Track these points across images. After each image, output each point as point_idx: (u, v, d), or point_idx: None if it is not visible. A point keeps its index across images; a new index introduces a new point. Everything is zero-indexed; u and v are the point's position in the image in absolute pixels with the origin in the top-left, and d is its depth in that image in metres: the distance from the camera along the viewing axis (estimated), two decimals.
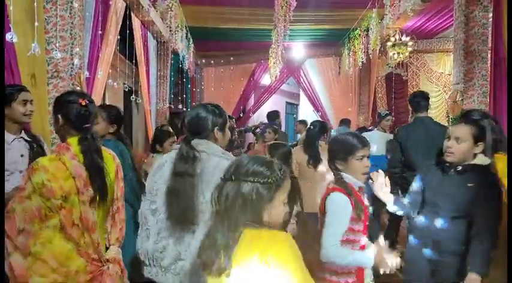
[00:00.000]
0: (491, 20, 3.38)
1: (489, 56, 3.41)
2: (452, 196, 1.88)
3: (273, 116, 5.76)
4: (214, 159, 1.59)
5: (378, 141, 4.19)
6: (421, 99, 3.27)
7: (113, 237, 1.68)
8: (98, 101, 3.52)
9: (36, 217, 1.42)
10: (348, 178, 1.73)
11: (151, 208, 1.64)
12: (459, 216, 1.86)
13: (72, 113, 1.58)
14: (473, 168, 1.87)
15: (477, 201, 1.81)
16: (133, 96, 4.57)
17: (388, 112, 4.90)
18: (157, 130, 3.62)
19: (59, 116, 1.59)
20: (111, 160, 1.70)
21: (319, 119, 7.60)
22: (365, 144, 1.74)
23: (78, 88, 2.70)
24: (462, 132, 1.86)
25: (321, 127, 3.48)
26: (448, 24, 6.02)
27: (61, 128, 1.61)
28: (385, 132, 4.66)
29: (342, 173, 1.74)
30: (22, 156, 2.00)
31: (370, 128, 5.64)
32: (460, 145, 1.85)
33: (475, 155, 1.89)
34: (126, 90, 4.50)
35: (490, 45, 3.42)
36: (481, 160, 1.89)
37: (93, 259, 1.52)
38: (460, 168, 1.89)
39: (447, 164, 1.93)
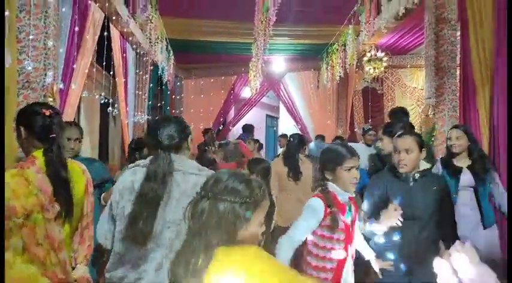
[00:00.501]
0: (459, 38, 3.54)
1: (458, 72, 3.56)
2: (425, 202, 1.94)
3: (249, 128, 5.77)
4: (191, 178, 1.49)
5: (361, 155, 4.23)
6: (402, 115, 3.35)
7: (81, 255, 1.61)
8: (72, 112, 3.44)
9: None
10: (332, 188, 1.75)
11: (118, 231, 1.50)
12: (433, 220, 1.93)
13: (36, 123, 1.52)
14: (428, 173, 2.00)
15: (443, 202, 1.94)
16: (110, 108, 4.48)
17: (370, 127, 4.99)
18: (133, 142, 3.48)
19: (22, 128, 1.54)
20: (80, 174, 1.65)
21: (299, 132, 7.68)
22: (353, 154, 1.77)
23: (50, 99, 2.63)
24: (409, 143, 1.97)
25: (300, 140, 3.52)
26: (420, 42, 6.27)
27: (24, 140, 1.55)
28: (370, 146, 4.76)
29: (328, 183, 1.76)
30: None
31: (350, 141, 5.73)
32: (410, 155, 1.96)
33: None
34: (103, 102, 4.42)
35: (458, 62, 3.57)
36: (425, 165, 2.03)
37: (60, 279, 1.44)
38: (417, 175, 1.98)
39: (402, 174, 2.01)
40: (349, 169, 1.73)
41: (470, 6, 3.23)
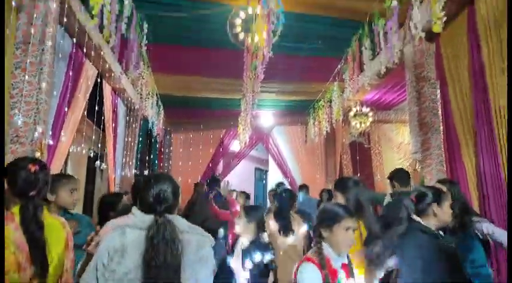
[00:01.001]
0: (439, 95, 3.72)
1: (441, 127, 3.69)
2: None
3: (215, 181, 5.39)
4: (195, 238, 1.48)
5: None
6: (404, 174, 3.33)
7: None
8: (59, 165, 3.39)
9: None
10: (327, 250, 1.68)
11: None
12: None
13: (19, 178, 1.49)
14: None
15: None
16: (97, 161, 4.43)
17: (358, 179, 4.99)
18: (106, 197, 3.01)
19: (5, 182, 1.50)
20: (60, 229, 1.59)
21: (288, 185, 7.65)
22: (352, 214, 1.74)
23: (38, 154, 2.59)
24: None
25: (291, 195, 3.48)
26: (403, 98, 6.56)
27: (7, 194, 1.50)
28: None
29: (323, 243, 1.70)
30: None
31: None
32: None
33: None
34: (91, 155, 4.38)
35: (441, 117, 3.72)
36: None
37: None
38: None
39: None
40: (346, 229, 1.69)
41: (447, 67, 3.46)
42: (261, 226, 2.69)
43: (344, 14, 3.93)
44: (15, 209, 1.46)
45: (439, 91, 3.74)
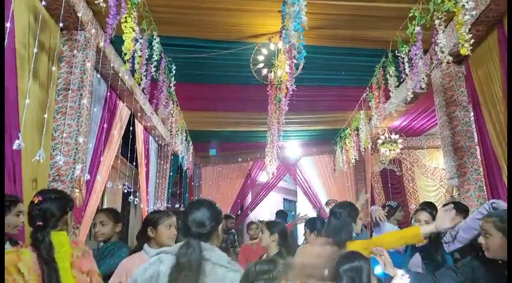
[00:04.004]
0: (473, 118, 3.61)
1: (478, 151, 3.54)
2: None
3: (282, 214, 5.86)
4: (219, 271, 1.38)
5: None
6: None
7: None
8: (96, 201, 3.51)
9: None
10: None
11: None
12: None
13: (28, 211, 1.63)
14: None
15: None
16: (131, 197, 4.55)
17: (397, 203, 4.73)
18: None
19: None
20: (75, 255, 1.66)
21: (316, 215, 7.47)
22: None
23: (77, 190, 2.71)
24: (486, 226, 1.77)
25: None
26: (433, 123, 6.40)
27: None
28: (396, 225, 4.51)
29: None
30: None
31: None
32: (489, 239, 1.75)
33: None
34: (126, 191, 4.52)
35: (476, 140, 3.58)
36: None
37: None
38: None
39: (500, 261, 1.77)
40: None
41: (479, 89, 3.36)
42: (283, 239, 2.77)
43: (366, 44, 3.97)
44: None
45: (471, 114, 3.64)
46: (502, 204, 2.36)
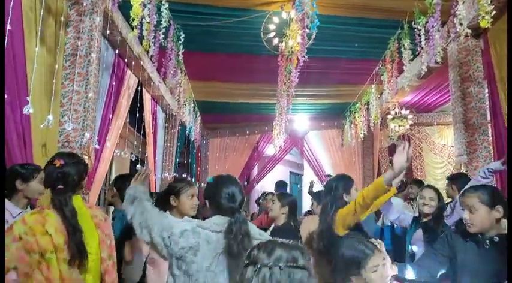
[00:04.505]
0: (487, 95, 3.51)
1: (489, 129, 3.48)
2: (493, 271, 1.70)
3: (282, 184, 5.73)
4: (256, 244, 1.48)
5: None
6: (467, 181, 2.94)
7: None
8: (104, 169, 3.56)
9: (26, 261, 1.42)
10: None
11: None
12: None
13: (46, 172, 1.64)
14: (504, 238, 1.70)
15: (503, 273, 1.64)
16: (139, 165, 4.61)
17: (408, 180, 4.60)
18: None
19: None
20: (98, 217, 1.70)
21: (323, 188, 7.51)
22: (375, 248, 1.57)
23: (86, 157, 2.74)
24: (471, 201, 1.76)
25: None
26: (446, 99, 6.26)
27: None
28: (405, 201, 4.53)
29: None
30: None
31: None
32: (474, 215, 1.74)
33: (498, 220, 1.74)
34: (133, 159, 4.58)
35: (488, 118, 3.51)
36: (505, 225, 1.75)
37: None
38: (497, 239, 1.72)
39: (479, 235, 1.77)
40: (375, 270, 1.52)
41: (496, 65, 3.25)
42: (293, 211, 2.90)
43: (382, 14, 3.82)
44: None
45: (486, 90, 3.54)
46: (498, 166, 2.36)
